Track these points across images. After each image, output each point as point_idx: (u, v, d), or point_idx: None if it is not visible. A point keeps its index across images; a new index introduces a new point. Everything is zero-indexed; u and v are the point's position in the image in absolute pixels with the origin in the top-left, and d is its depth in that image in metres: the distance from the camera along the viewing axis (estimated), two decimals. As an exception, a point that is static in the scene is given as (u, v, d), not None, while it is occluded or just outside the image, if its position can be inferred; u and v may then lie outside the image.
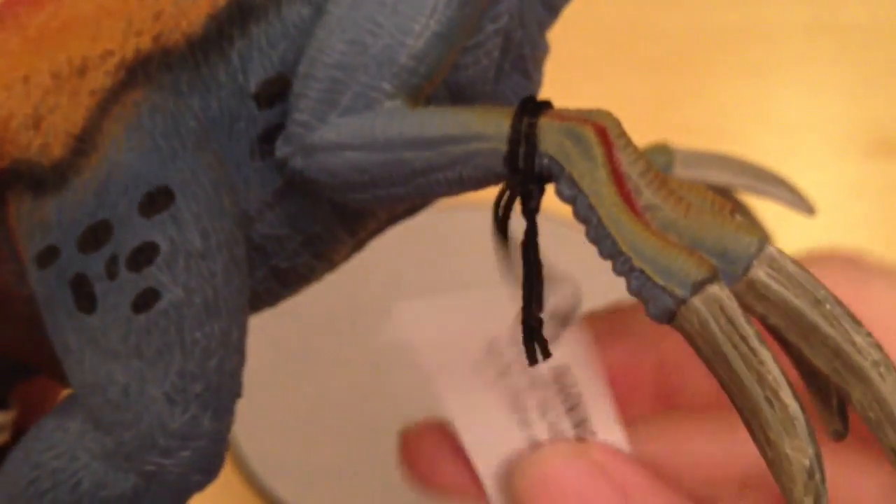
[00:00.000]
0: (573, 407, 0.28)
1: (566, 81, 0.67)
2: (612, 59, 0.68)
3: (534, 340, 0.24)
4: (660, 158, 0.35)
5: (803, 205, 0.36)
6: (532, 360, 0.24)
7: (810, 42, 0.68)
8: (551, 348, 0.25)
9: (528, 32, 0.28)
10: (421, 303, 0.28)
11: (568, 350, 0.28)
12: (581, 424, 0.28)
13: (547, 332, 0.25)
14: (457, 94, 0.27)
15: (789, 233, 0.56)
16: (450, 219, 0.58)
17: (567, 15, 0.71)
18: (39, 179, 0.26)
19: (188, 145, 0.26)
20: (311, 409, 0.52)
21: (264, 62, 0.26)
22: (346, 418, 0.52)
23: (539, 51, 0.29)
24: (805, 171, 0.60)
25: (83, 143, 0.26)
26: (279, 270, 0.28)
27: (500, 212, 0.25)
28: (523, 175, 0.24)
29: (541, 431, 0.29)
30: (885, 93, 0.64)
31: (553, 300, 0.26)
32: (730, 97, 0.66)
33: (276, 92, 0.26)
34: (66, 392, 0.29)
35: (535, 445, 0.29)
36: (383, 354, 0.54)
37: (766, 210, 0.58)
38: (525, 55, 0.28)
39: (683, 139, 0.65)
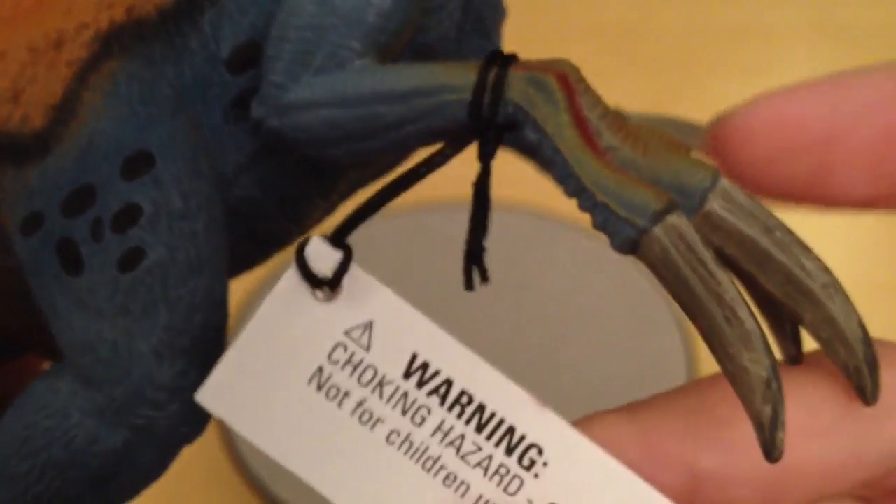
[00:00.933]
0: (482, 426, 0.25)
1: (566, 81, 0.67)
2: (612, 59, 0.68)
3: (472, 265, 0.25)
4: None
5: (700, 136, 0.38)
6: (469, 286, 0.25)
7: (810, 42, 0.68)
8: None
9: None
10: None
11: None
12: (524, 455, 0.25)
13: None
14: (422, 56, 0.28)
15: (789, 233, 0.56)
16: (450, 219, 0.58)
17: (567, 15, 0.71)
18: (21, 149, 0.26)
19: (165, 111, 0.27)
20: (311, 409, 0.52)
21: (235, 29, 0.27)
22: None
23: (497, 14, 0.30)
24: (805, 171, 0.60)
25: (63, 112, 0.26)
26: (255, 233, 0.28)
27: (480, 173, 0.26)
28: (485, 122, 0.25)
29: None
30: (885, 93, 0.64)
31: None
32: (730, 97, 0.66)
33: (248, 57, 0.27)
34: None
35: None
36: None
37: (766, 210, 0.58)
38: (484, 17, 0.29)
39: (683, 139, 0.65)
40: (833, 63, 0.67)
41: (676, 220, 0.24)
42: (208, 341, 0.26)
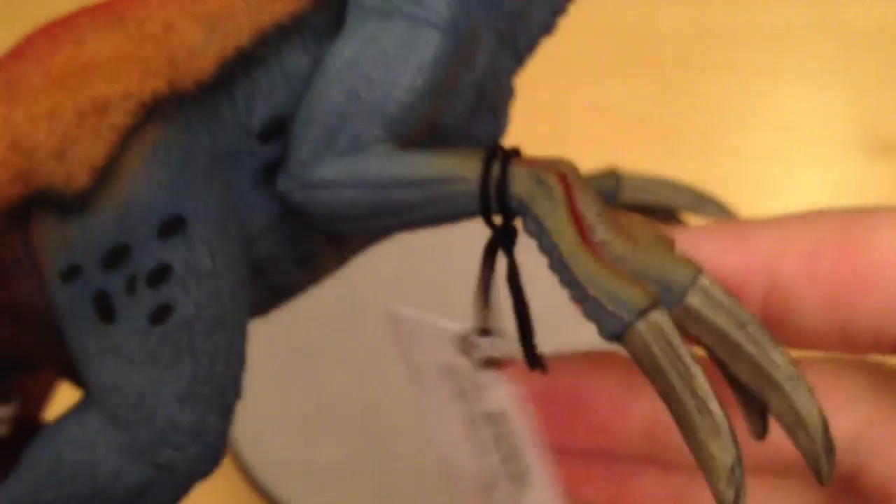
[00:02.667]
0: (508, 457, 0.31)
1: (567, 81, 0.67)
2: (612, 60, 0.68)
3: (532, 356, 0.29)
4: (608, 182, 0.40)
5: (728, 215, 0.41)
6: (533, 367, 0.29)
7: (810, 42, 0.68)
8: (493, 396, 0.30)
9: (498, 80, 0.32)
10: (404, 312, 0.31)
11: (506, 401, 0.30)
12: (518, 478, 0.31)
13: (484, 368, 0.30)
14: (436, 135, 0.31)
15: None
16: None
17: (567, 15, 0.71)
18: (64, 205, 0.29)
19: (199, 177, 0.29)
20: (312, 409, 0.52)
21: (266, 104, 0.30)
22: (346, 418, 0.52)
23: (507, 96, 0.32)
24: (805, 171, 0.60)
25: (105, 174, 0.28)
26: (274, 285, 0.31)
27: (488, 248, 0.29)
28: (501, 215, 0.28)
29: (484, 465, 0.32)
30: (886, 93, 0.64)
31: (494, 343, 0.30)
32: (730, 97, 0.66)
33: (276, 130, 0.30)
34: (63, 384, 0.31)
35: (482, 476, 0.32)
36: (383, 354, 0.54)
37: (767, 211, 0.58)
38: (495, 101, 0.32)
39: (683, 138, 0.65)
40: (833, 63, 0.67)
41: (659, 316, 0.26)
42: (227, 388, 0.29)
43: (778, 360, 0.27)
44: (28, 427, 0.33)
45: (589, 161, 0.64)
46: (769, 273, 0.28)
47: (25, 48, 0.30)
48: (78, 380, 0.31)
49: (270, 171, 0.30)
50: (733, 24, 0.70)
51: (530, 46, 0.33)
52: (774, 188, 0.59)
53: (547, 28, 0.33)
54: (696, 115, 0.65)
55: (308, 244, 0.31)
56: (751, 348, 0.27)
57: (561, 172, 0.28)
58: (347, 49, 0.30)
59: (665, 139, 0.65)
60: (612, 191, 0.40)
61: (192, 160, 0.29)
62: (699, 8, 0.70)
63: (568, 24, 0.69)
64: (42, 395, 0.34)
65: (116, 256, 0.29)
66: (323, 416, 0.52)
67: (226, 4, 0.30)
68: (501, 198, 0.28)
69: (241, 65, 0.30)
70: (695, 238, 0.28)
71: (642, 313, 0.26)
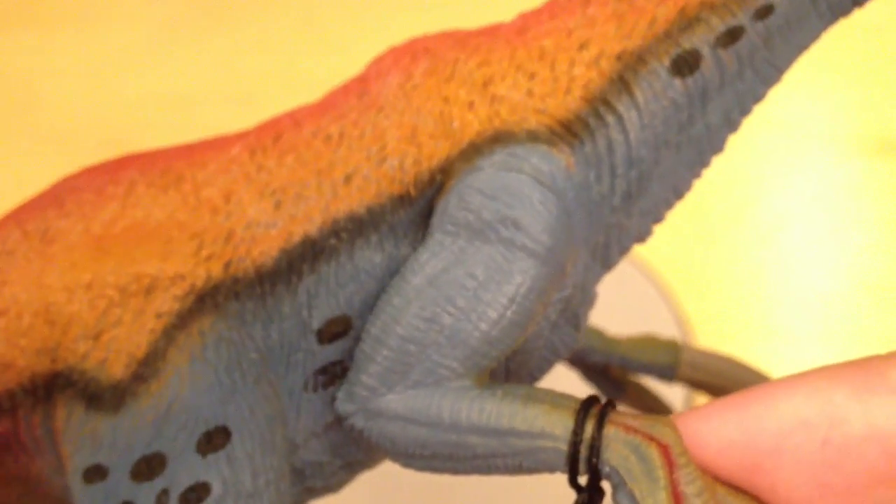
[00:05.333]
0: None
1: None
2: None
3: None
4: (666, 356, 0.38)
5: None
6: None
7: (810, 42, 0.68)
8: None
9: (586, 292, 0.30)
10: None
11: None
12: None
13: None
14: (514, 349, 0.28)
15: (790, 233, 0.56)
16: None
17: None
18: (94, 394, 0.26)
19: (248, 379, 0.26)
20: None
21: (330, 301, 0.27)
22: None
23: (590, 304, 0.30)
24: (805, 171, 0.60)
25: (145, 367, 0.26)
26: (314, 488, 0.29)
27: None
28: (588, 480, 0.25)
29: None
30: (886, 93, 0.64)
31: None
32: (730, 97, 0.66)
33: (339, 331, 0.27)
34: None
35: None
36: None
37: (767, 212, 0.57)
38: (579, 313, 0.30)
39: (683, 139, 0.65)
40: (833, 63, 0.67)
41: None
42: None
43: None
44: None
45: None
46: None
47: (67, 194, 0.27)
48: None
49: (326, 372, 0.27)
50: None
51: (622, 254, 0.31)
52: (774, 188, 0.59)
53: (642, 237, 0.31)
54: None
55: (356, 452, 0.28)
56: None
57: (664, 444, 0.25)
58: (431, 264, 0.27)
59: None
60: (670, 365, 0.38)
61: (242, 359, 0.26)
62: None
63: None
64: None
65: (150, 466, 0.25)
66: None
67: (295, 178, 0.27)
68: (592, 461, 0.25)
69: (308, 255, 0.27)
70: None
71: None
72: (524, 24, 0.31)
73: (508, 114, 0.29)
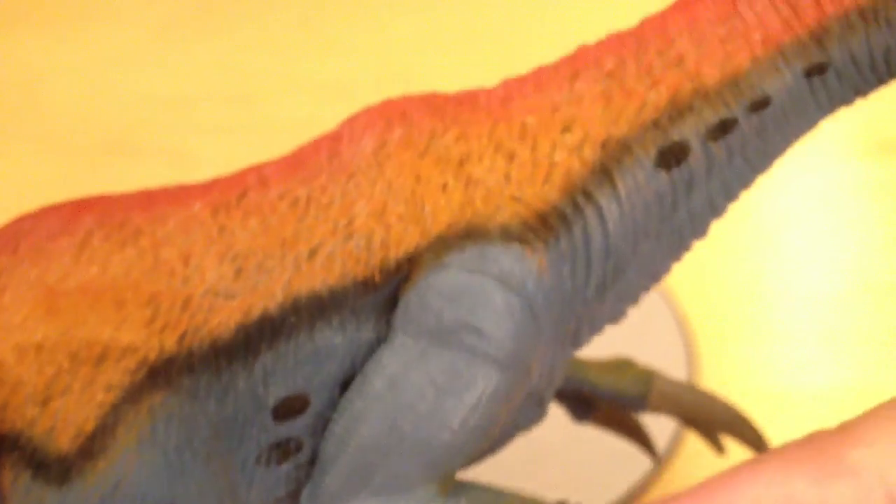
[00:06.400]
0: None
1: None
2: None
3: None
4: (637, 387, 0.37)
5: (762, 445, 0.39)
6: None
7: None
8: None
9: (552, 375, 0.29)
10: None
11: None
12: None
13: None
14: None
15: (790, 233, 0.56)
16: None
17: (568, 15, 0.71)
18: (41, 463, 0.25)
19: (199, 458, 0.26)
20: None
21: (287, 379, 0.26)
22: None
23: (556, 384, 0.30)
24: (805, 171, 0.60)
25: (93, 443, 0.25)
26: None
27: None
28: None
29: None
30: (885, 93, 0.64)
31: None
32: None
33: (296, 409, 0.27)
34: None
35: None
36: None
37: (767, 212, 0.57)
38: (545, 395, 0.30)
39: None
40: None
41: None
42: None
43: None
44: None
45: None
46: None
47: (22, 237, 0.26)
48: None
49: (280, 447, 0.27)
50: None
51: (593, 334, 0.30)
52: (774, 188, 0.59)
53: (616, 318, 0.30)
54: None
55: None
56: None
57: None
58: (392, 367, 0.26)
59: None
60: (641, 395, 0.37)
61: (194, 436, 0.26)
62: (699, 8, 0.70)
63: (568, 24, 0.69)
64: None
65: None
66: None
67: (258, 246, 0.26)
68: None
69: (266, 332, 0.26)
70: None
71: None
72: (508, 93, 0.29)
73: (482, 202, 0.27)
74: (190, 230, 0.26)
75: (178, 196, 0.27)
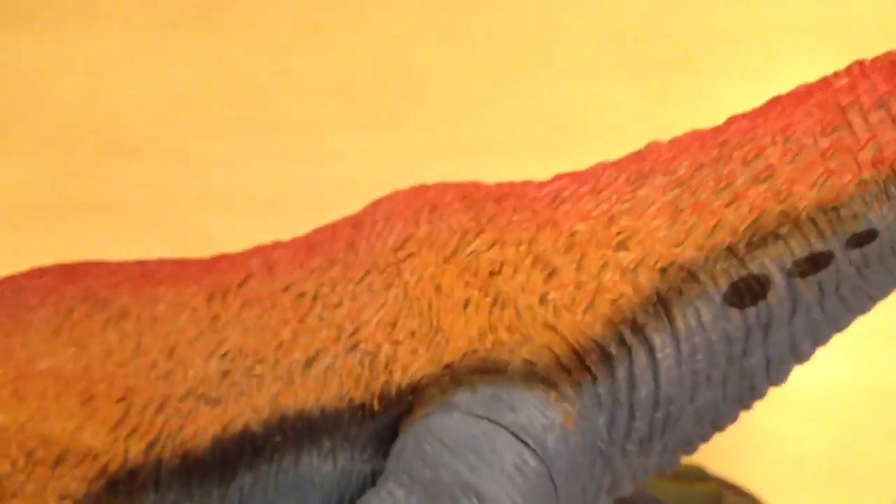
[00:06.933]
0: None
1: (567, 81, 0.67)
2: (612, 59, 0.68)
3: None
4: None
5: None
6: None
7: (810, 42, 0.68)
8: None
9: None
10: None
11: None
12: None
13: None
14: None
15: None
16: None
17: (567, 15, 0.71)
18: None
19: None
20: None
21: None
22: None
23: None
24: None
25: None
26: None
27: None
28: None
29: None
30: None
31: None
32: (730, 98, 0.66)
33: None
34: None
35: None
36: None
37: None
38: None
39: (683, 139, 0.65)
40: (833, 63, 0.67)
41: None
42: None
43: None
44: None
45: (588, 161, 0.64)
46: None
47: (2, 298, 0.23)
48: None
49: None
50: (733, 25, 0.69)
51: (634, 484, 0.25)
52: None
53: (665, 467, 0.25)
54: (696, 115, 0.65)
55: None
56: None
57: None
58: None
59: (664, 139, 0.65)
60: None
61: None
62: (700, 8, 0.70)
63: (567, 24, 0.69)
64: None
65: None
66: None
67: (250, 346, 0.23)
68: None
69: (247, 451, 0.22)
70: None
71: None
72: (559, 192, 0.24)
73: (508, 329, 0.22)
74: (179, 316, 0.23)
75: (174, 273, 0.24)
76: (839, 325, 0.24)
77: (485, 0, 0.73)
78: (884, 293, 0.24)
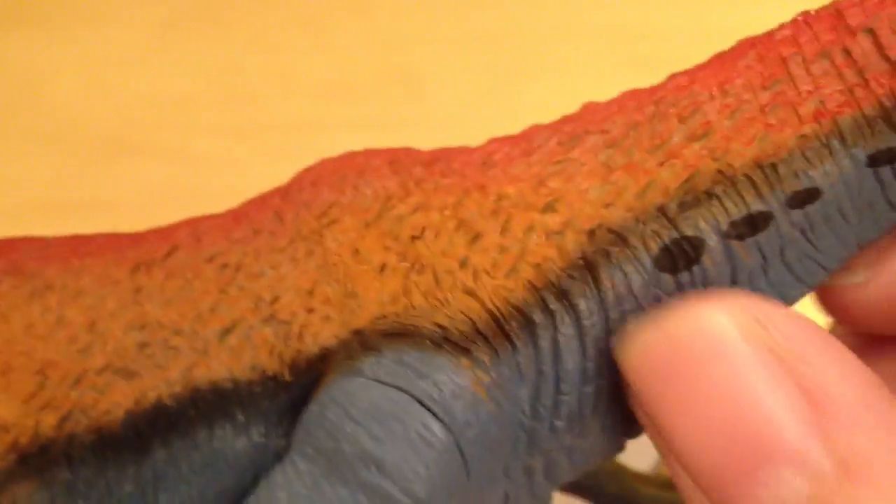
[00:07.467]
0: None
1: (566, 81, 0.67)
2: (612, 59, 0.68)
3: None
4: None
5: None
6: None
7: (810, 42, 0.68)
8: None
9: None
10: None
11: None
12: None
13: None
14: None
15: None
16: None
17: (567, 15, 0.71)
18: None
19: None
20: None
21: (181, 488, 0.22)
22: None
23: None
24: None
25: None
26: None
27: None
28: None
29: None
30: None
31: None
32: (730, 97, 0.66)
33: None
34: None
35: None
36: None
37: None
38: None
39: (683, 139, 0.65)
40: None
41: None
42: None
43: None
44: None
45: (589, 161, 0.64)
46: None
47: None
48: None
49: None
50: (733, 24, 0.69)
51: (580, 468, 0.23)
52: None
53: (614, 450, 0.24)
54: (695, 115, 0.65)
55: None
56: None
57: None
58: (282, 495, 0.20)
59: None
60: None
61: None
62: (699, 8, 0.70)
63: (567, 24, 0.69)
64: None
65: None
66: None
67: (169, 317, 0.22)
68: None
69: (160, 425, 0.21)
70: None
71: None
72: (489, 155, 0.23)
73: (424, 293, 0.21)
74: (103, 288, 0.22)
75: (102, 246, 0.23)
76: (787, 296, 0.23)
77: (485, 0, 0.72)
78: (835, 262, 0.23)
